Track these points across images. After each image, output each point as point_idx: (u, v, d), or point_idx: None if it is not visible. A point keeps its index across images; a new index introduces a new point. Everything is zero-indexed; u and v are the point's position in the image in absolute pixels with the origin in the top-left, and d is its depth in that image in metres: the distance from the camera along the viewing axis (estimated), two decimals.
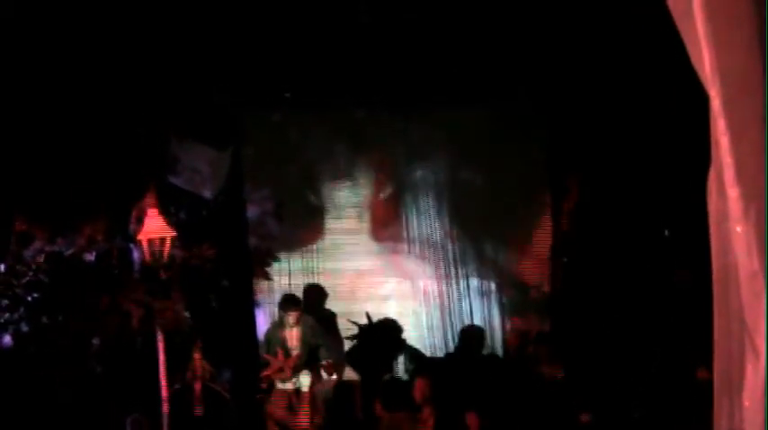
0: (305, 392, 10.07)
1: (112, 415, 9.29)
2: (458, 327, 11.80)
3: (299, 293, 11.23)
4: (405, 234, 12.02)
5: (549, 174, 11.89)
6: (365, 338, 11.25)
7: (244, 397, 10.27)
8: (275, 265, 11.67)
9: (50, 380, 9.55)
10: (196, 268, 9.92)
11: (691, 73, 3.10)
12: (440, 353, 11.78)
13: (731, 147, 2.95)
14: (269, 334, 10.54)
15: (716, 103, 2.97)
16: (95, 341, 9.85)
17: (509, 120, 11.84)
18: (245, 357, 10.91)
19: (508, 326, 11.90)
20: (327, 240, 11.97)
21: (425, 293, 11.98)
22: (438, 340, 11.93)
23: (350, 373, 10.94)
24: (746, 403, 3.00)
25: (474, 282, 12.01)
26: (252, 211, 11.79)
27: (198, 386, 9.77)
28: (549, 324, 11.64)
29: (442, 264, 11.99)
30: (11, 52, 9.40)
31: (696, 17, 2.96)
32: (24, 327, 9.78)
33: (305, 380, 10.10)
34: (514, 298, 12.00)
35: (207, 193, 11.08)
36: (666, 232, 10.98)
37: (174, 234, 9.21)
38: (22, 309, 9.77)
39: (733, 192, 2.97)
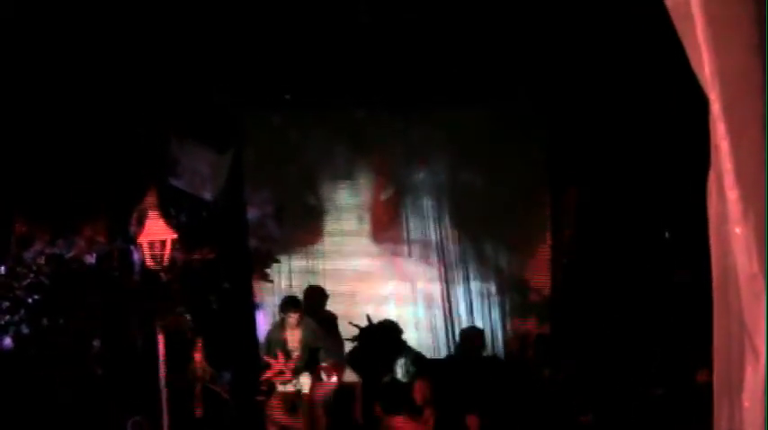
0: (305, 394, 10.06)
1: (113, 417, 9.29)
2: (458, 329, 11.80)
3: (300, 295, 11.24)
4: (405, 235, 12.02)
5: (549, 174, 11.89)
6: (366, 340, 11.25)
7: (244, 398, 10.26)
8: (275, 267, 11.68)
9: (51, 382, 9.55)
10: (197, 270, 9.93)
11: (691, 74, 3.10)
12: (440, 355, 11.78)
13: (731, 149, 2.95)
14: (269, 335, 10.53)
15: (715, 107, 2.97)
16: (96, 343, 9.86)
17: (509, 120, 11.84)
18: (245, 359, 10.91)
19: (508, 327, 11.90)
20: (328, 242, 11.96)
21: (426, 295, 11.97)
22: (438, 342, 11.92)
23: (350, 375, 10.93)
24: (746, 404, 3.00)
25: (474, 283, 12.00)
26: (252, 213, 11.79)
27: (198, 388, 9.77)
28: (549, 325, 11.64)
29: (442, 265, 11.98)
30: (11, 52, 9.39)
31: (695, 20, 2.96)
32: (25, 330, 9.78)
33: (305, 381, 10.09)
34: (514, 299, 12.00)
35: (207, 195, 11.09)
36: (667, 233, 10.98)
37: (175, 236, 9.21)
38: (22, 311, 9.76)
39: (732, 195, 2.97)
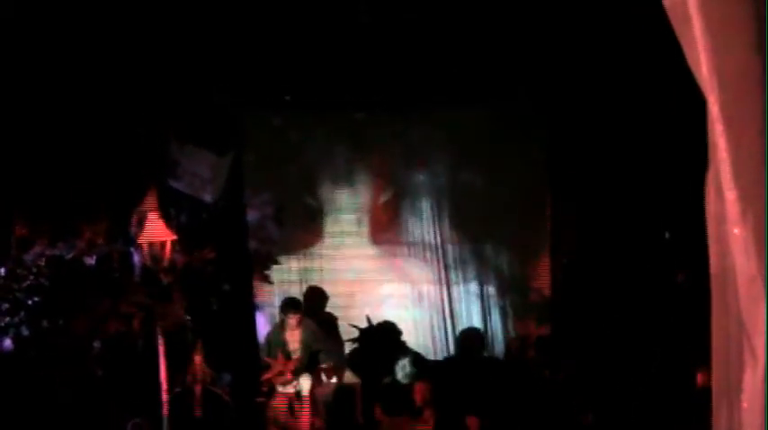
0: (305, 396, 10.06)
1: (113, 419, 9.29)
2: (458, 330, 11.79)
3: (300, 296, 11.24)
4: (405, 236, 12.01)
5: (549, 174, 11.88)
6: (366, 341, 11.25)
7: (244, 400, 10.26)
8: (275, 268, 11.67)
9: (51, 384, 9.54)
10: (197, 271, 9.93)
11: (689, 75, 3.09)
12: (440, 356, 11.77)
13: (729, 150, 2.94)
14: (270, 337, 10.54)
15: (714, 107, 2.95)
16: (96, 345, 9.85)
17: (509, 120, 11.83)
18: (245, 360, 10.90)
19: (508, 327, 11.89)
20: (328, 243, 11.95)
21: (426, 296, 11.96)
22: (438, 343, 11.91)
23: (350, 376, 10.94)
24: (745, 405, 2.99)
25: (474, 284, 11.99)
26: (252, 215, 11.78)
27: (198, 389, 9.77)
28: (549, 326, 11.63)
29: (442, 265, 11.97)
30: (11, 53, 9.39)
31: (693, 20, 2.95)
32: (25, 331, 9.77)
33: (305, 383, 10.08)
34: (514, 299, 11.99)
35: (207, 197, 11.08)
36: (666, 234, 10.98)
37: (175, 237, 9.21)
38: (22, 313, 9.76)
39: (731, 195, 2.96)
